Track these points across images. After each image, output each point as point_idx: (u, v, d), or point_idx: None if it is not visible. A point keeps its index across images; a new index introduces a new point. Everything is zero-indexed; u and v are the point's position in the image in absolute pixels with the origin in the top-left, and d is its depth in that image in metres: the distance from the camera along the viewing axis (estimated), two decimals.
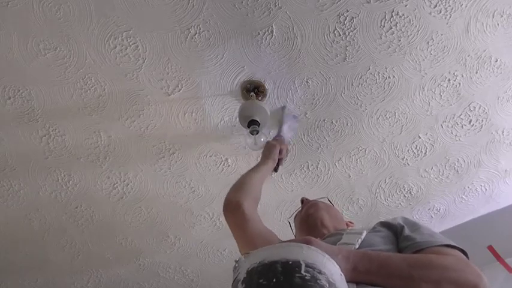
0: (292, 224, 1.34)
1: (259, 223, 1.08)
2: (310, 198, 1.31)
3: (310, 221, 1.16)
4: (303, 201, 1.31)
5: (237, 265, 0.66)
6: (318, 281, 0.56)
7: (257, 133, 1.41)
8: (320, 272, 0.58)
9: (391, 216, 1.92)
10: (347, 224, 1.22)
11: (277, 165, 1.40)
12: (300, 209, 1.30)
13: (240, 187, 1.19)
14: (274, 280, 0.56)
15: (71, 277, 2.24)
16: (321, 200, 1.31)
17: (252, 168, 1.32)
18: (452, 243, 0.78)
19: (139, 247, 2.08)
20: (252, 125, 1.39)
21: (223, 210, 1.13)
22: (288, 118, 1.52)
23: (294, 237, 1.29)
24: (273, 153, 1.37)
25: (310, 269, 0.58)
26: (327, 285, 0.56)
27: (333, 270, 0.61)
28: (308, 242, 0.69)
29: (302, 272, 0.57)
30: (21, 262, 2.13)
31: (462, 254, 0.77)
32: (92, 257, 2.12)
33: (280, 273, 0.57)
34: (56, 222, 1.93)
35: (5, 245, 2.02)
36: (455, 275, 0.68)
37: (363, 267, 0.70)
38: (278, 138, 1.47)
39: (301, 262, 0.58)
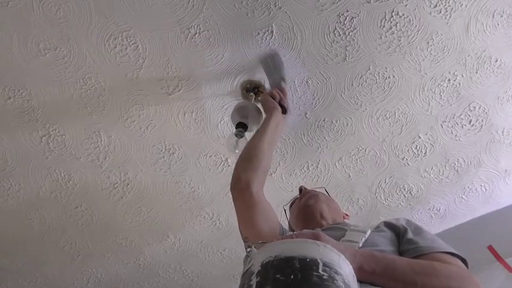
0: (288, 212, 1.34)
1: (265, 204, 1.05)
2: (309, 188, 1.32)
3: (310, 212, 1.17)
4: (301, 190, 1.31)
5: (248, 256, 0.66)
6: (335, 281, 0.56)
7: (241, 137, 1.34)
8: (337, 273, 0.58)
9: (391, 217, 1.93)
10: (343, 217, 1.23)
11: (283, 108, 1.29)
12: (298, 197, 1.29)
13: (249, 160, 1.09)
14: (291, 276, 0.55)
15: (71, 277, 2.24)
16: (319, 189, 1.32)
17: (260, 130, 1.20)
18: (454, 251, 0.79)
19: (139, 247, 2.08)
20: (240, 127, 1.34)
21: (231, 188, 1.07)
22: (268, 62, 1.38)
23: (288, 225, 1.29)
24: (268, 104, 1.27)
25: (328, 269, 0.57)
26: (343, 286, 0.56)
27: (347, 270, 0.61)
28: (317, 237, 0.69)
29: (320, 271, 0.57)
30: (21, 262, 2.13)
31: (463, 264, 0.78)
32: (92, 257, 2.12)
33: (298, 270, 0.56)
34: (56, 222, 1.92)
35: (5, 245, 2.02)
36: (457, 285, 0.70)
37: (368, 268, 0.71)
38: (271, 87, 1.36)
39: (319, 261, 0.58)
